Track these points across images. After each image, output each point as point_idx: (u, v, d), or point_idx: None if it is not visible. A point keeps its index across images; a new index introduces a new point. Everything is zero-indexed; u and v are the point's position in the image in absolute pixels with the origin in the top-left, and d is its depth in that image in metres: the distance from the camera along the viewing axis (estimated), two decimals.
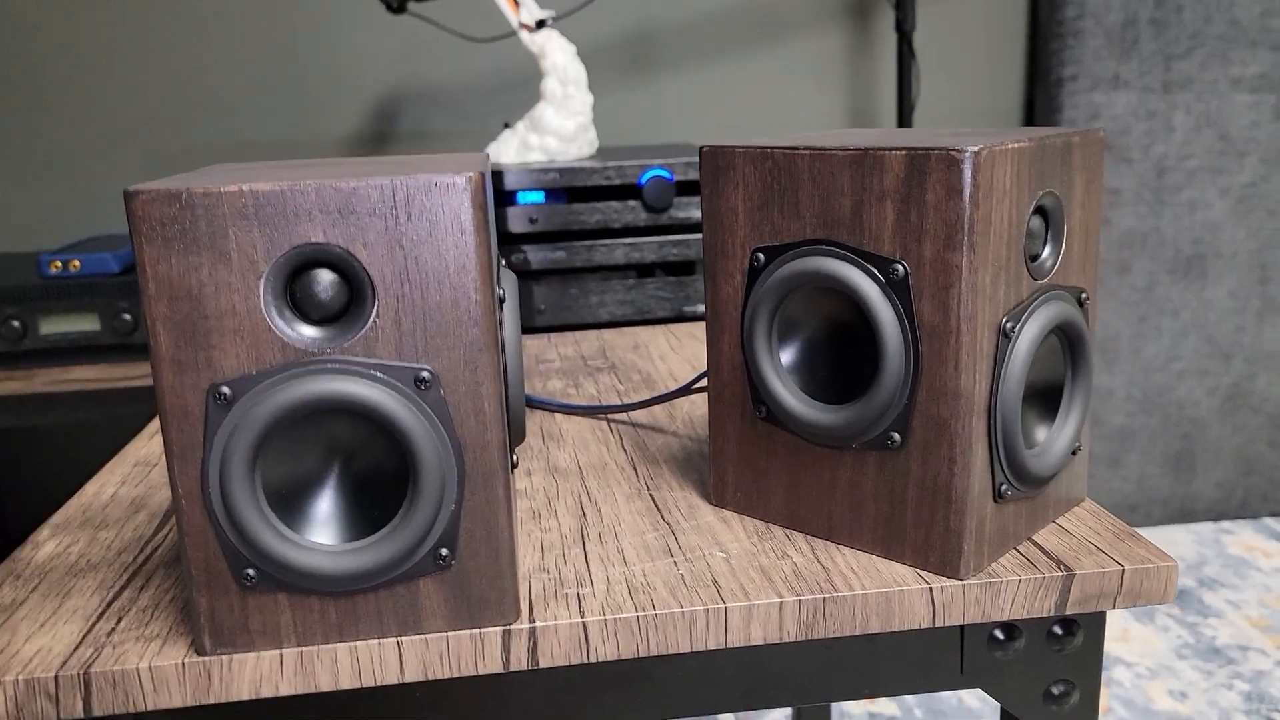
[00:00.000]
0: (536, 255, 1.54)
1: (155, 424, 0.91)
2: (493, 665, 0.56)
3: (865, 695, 0.61)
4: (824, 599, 0.57)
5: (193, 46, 1.89)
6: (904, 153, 0.55)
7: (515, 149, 1.63)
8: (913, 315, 0.56)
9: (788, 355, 0.63)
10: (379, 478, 0.54)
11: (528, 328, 1.56)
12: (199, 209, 0.49)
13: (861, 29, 2.11)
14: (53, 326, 1.53)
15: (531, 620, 0.56)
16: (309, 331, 0.51)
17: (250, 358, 0.50)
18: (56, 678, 0.52)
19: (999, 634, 0.61)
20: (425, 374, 0.51)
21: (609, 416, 0.88)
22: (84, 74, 1.87)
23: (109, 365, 1.54)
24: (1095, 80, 2.10)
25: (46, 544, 0.68)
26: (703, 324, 1.24)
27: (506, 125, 1.75)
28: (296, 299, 0.51)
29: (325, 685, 0.54)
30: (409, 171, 0.51)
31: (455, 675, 0.55)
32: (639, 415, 0.88)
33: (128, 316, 1.52)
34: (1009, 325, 0.56)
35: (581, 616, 0.56)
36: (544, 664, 0.56)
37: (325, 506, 0.54)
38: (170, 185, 0.49)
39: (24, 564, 0.65)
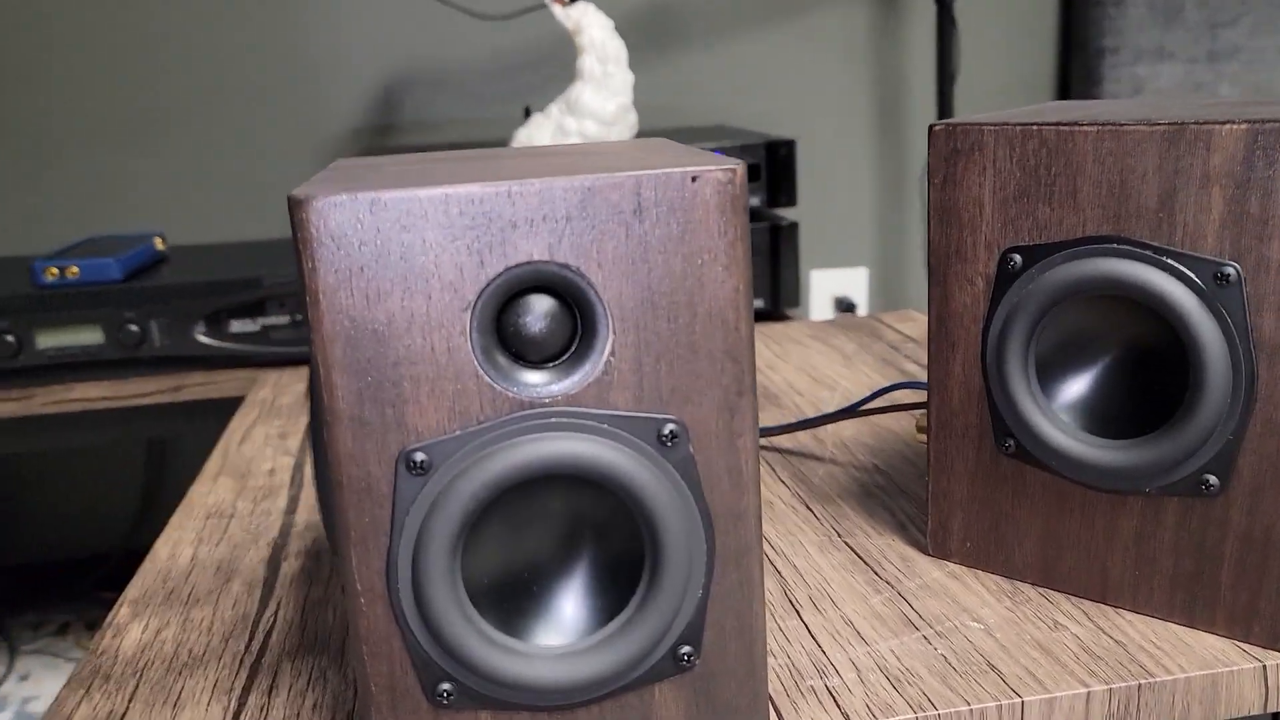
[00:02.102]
0: None
1: (215, 463, 0.78)
2: None
3: None
4: (1138, 686, 0.46)
5: (186, 31, 1.74)
6: (1243, 127, 0.44)
7: (550, 133, 1.51)
8: (1246, 330, 0.45)
9: (1050, 379, 0.52)
10: (606, 560, 0.42)
11: None
12: (390, 218, 0.36)
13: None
14: (51, 340, 1.39)
15: None
16: (527, 377, 0.39)
17: (452, 413, 0.38)
18: None
19: None
20: (671, 427, 0.40)
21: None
22: (68, 67, 1.71)
23: (115, 382, 1.39)
24: (1138, 52, 2.00)
25: (130, 628, 0.55)
26: (794, 323, 1.13)
27: (528, 111, 1.63)
28: (506, 335, 0.39)
29: None
30: (646, 163, 0.39)
31: None
32: (782, 439, 0.77)
33: (134, 328, 1.38)
34: None
35: None
36: None
37: (536, 599, 0.42)
38: (350, 189, 0.37)
39: (109, 658, 0.53)
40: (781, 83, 1.98)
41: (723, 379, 0.40)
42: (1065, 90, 2.13)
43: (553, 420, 0.39)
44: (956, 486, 0.56)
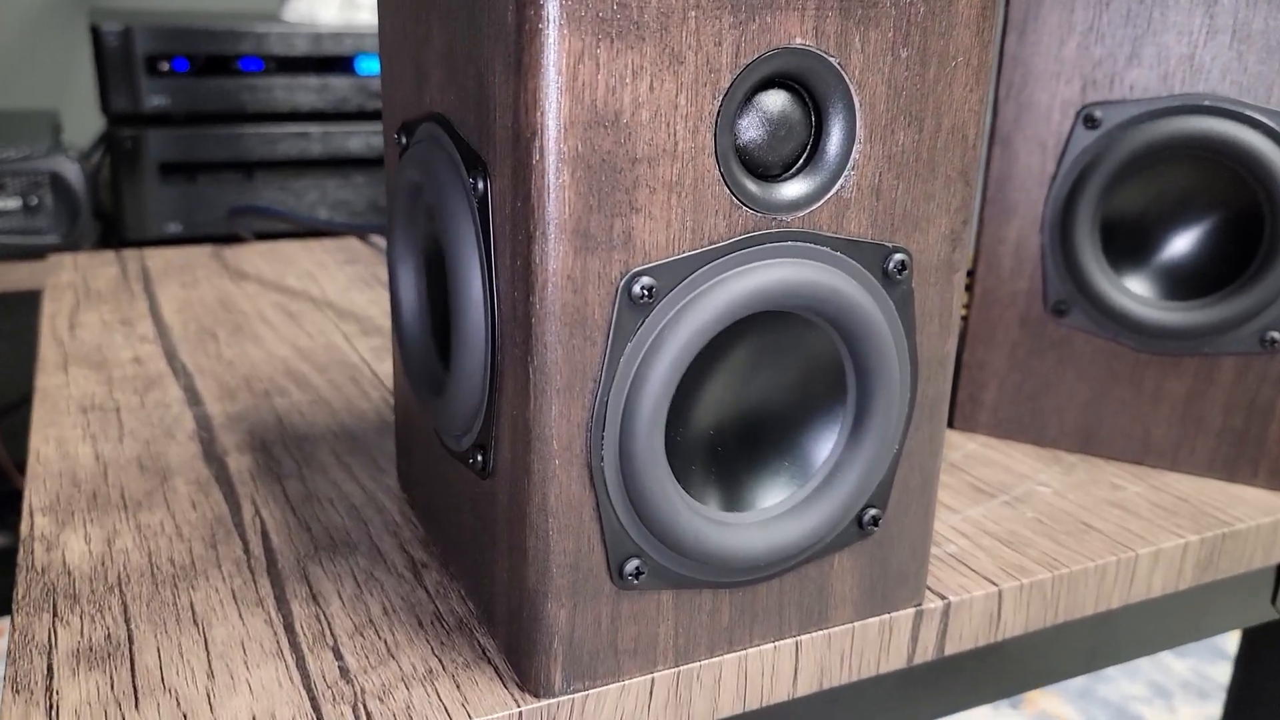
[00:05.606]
0: (378, 139, 1.29)
1: (52, 352, 0.63)
2: (896, 661, 0.41)
3: (1188, 640, 0.53)
4: (1222, 535, 0.47)
5: None
6: None
7: (338, 7, 1.35)
8: None
9: (1114, 243, 0.51)
10: (799, 411, 0.37)
11: None
12: None
13: None
14: None
15: (943, 597, 0.41)
16: (765, 192, 0.32)
17: (685, 229, 0.31)
18: None
19: None
20: (900, 257, 0.35)
21: None
22: None
23: None
24: None
25: (66, 540, 0.43)
26: None
27: None
28: (741, 139, 0.32)
29: (699, 717, 0.37)
30: None
31: (853, 680, 0.40)
32: None
33: None
34: None
35: (996, 585, 0.42)
36: (950, 650, 0.42)
37: (723, 460, 0.36)
38: None
39: (60, 574, 0.40)
40: None
41: (952, 203, 0.35)
42: None
43: (787, 244, 0.33)
44: (995, 357, 0.55)
